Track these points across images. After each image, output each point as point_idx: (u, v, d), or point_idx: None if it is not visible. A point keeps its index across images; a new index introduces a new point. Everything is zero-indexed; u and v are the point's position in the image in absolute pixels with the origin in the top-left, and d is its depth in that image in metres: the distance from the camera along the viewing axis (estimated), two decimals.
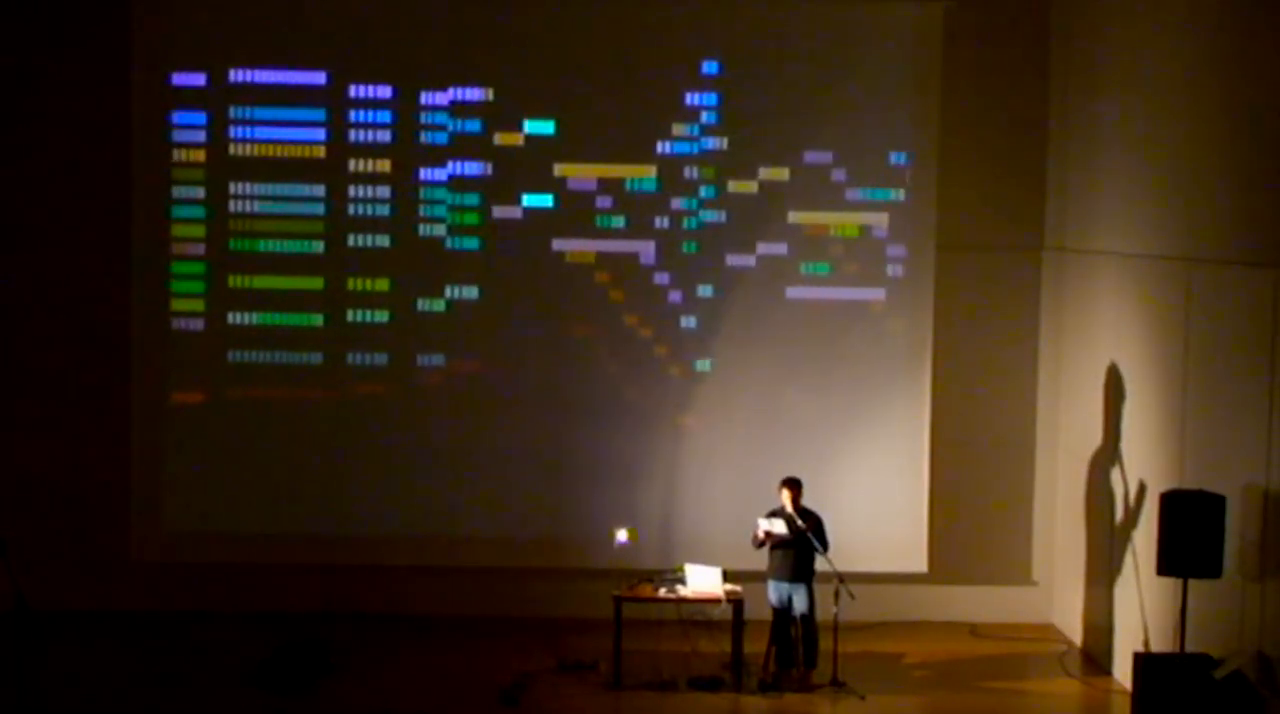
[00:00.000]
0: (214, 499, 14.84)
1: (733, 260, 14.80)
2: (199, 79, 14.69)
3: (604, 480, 14.80)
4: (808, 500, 13.02)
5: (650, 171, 14.76)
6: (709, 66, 14.74)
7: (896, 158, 14.75)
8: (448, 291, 14.84)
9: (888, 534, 14.79)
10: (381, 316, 14.84)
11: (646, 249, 14.81)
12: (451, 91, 14.72)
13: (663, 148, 14.75)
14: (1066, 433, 14.51)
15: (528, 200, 14.75)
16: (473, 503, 14.85)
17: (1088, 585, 13.84)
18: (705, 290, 14.84)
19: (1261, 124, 10.89)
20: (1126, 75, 13.25)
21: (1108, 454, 13.39)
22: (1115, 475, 13.23)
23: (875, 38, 14.71)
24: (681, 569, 13.21)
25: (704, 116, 14.75)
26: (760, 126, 14.70)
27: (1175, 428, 12.14)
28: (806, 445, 14.69)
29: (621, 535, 13.52)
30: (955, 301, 14.83)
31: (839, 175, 14.74)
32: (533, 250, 14.77)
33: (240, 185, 14.75)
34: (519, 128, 14.72)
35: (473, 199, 14.79)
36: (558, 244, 14.79)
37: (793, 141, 14.68)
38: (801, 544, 12.85)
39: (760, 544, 12.95)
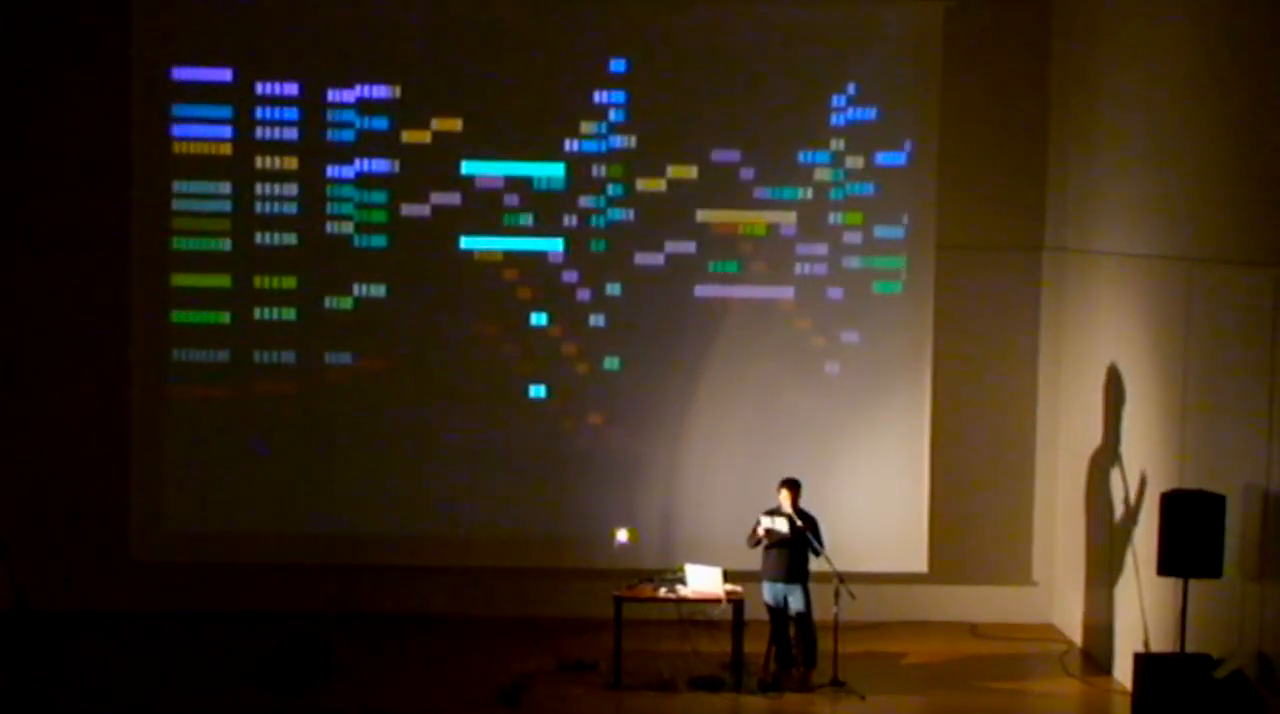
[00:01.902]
0: (214, 499, 14.83)
1: (641, 258, 14.79)
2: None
3: (604, 480, 14.80)
4: (807, 500, 13.03)
5: (558, 169, 14.74)
6: (617, 65, 14.72)
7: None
8: (355, 289, 14.83)
9: (888, 534, 14.79)
10: (289, 314, 14.83)
11: (554, 247, 14.81)
12: (359, 89, 14.70)
13: (571, 146, 14.72)
14: (1066, 433, 14.51)
15: (435, 198, 14.73)
16: (473, 503, 14.83)
17: (1088, 585, 13.84)
18: (614, 288, 14.84)
19: (1261, 124, 10.89)
20: (1126, 75, 13.25)
21: (1108, 454, 13.39)
22: (1115, 475, 13.23)
23: (875, 38, 14.70)
24: (681, 569, 13.21)
25: (612, 114, 14.73)
26: (669, 125, 14.68)
27: (1175, 428, 12.14)
28: (806, 445, 14.69)
29: (621, 535, 13.52)
30: (955, 302, 14.83)
31: (747, 174, 14.73)
32: (440, 248, 14.75)
33: (153, 183, 14.74)
34: (426, 125, 14.71)
35: (380, 197, 14.77)
36: (466, 242, 14.78)
37: (701, 140, 14.67)
38: (797, 545, 12.85)
39: (756, 542, 12.95)
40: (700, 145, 14.70)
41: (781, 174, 14.72)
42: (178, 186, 14.70)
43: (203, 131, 14.70)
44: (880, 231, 14.80)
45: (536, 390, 14.83)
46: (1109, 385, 13.37)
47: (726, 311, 14.79)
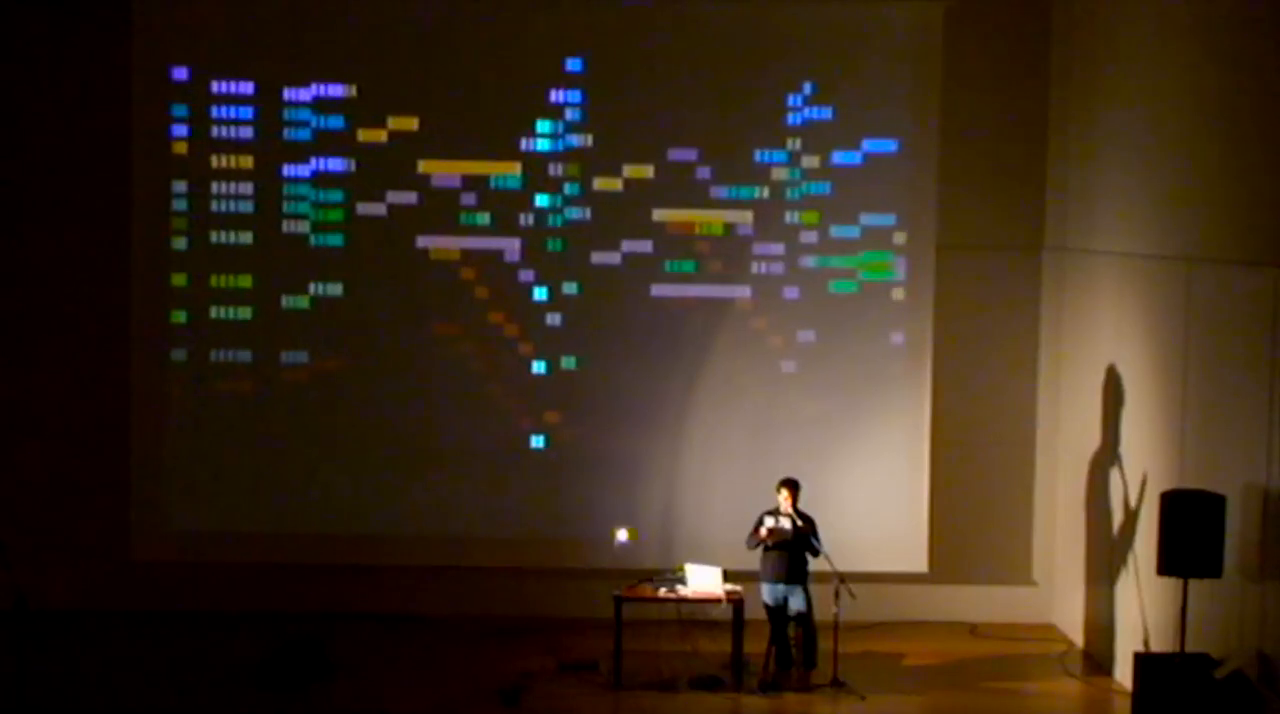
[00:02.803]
0: (214, 499, 14.83)
1: (598, 257, 14.78)
2: None
3: (604, 480, 14.80)
4: (807, 500, 13.03)
5: (514, 168, 14.74)
6: (573, 64, 14.72)
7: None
8: (312, 288, 14.82)
9: (888, 534, 14.79)
10: (244, 313, 14.81)
11: (511, 246, 14.80)
12: (315, 88, 14.70)
13: (527, 145, 14.72)
14: (1066, 433, 14.51)
15: (391, 197, 14.72)
16: (473, 503, 14.84)
17: (1088, 585, 13.84)
18: (570, 288, 14.82)
19: (1261, 124, 10.89)
20: (1126, 75, 13.25)
21: (1108, 454, 13.39)
22: (1115, 475, 13.23)
23: (875, 37, 14.70)
24: (681, 569, 13.21)
25: (568, 113, 14.73)
26: (625, 124, 14.68)
27: (1175, 428, 12.13)
28: (807, 445, 14.69)
29: (622, 535, 13.53)
30: (955, 301, 14.83)
31: (704, 173, 14.73)
32: (397, 247, 14.74)
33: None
34: (383, 124, 14.70)
35: (336, 196, 14.77)
36: (422, 241, 14.77)
37: (658, 139, 14.66)
38: (797, 546, 12.85)
39: (759, 543, 12.95)
40: (657, 144, 14.68)
41: (738, 173, 14.71)
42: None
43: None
44: (837, 231, 14.72)
45: (493, 390, 14.82)
46: (1109, 385, 13.37)
47: (684, 310, 14.77)
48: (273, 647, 13.03)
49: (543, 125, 14.72)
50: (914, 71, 14.71)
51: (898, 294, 14.81)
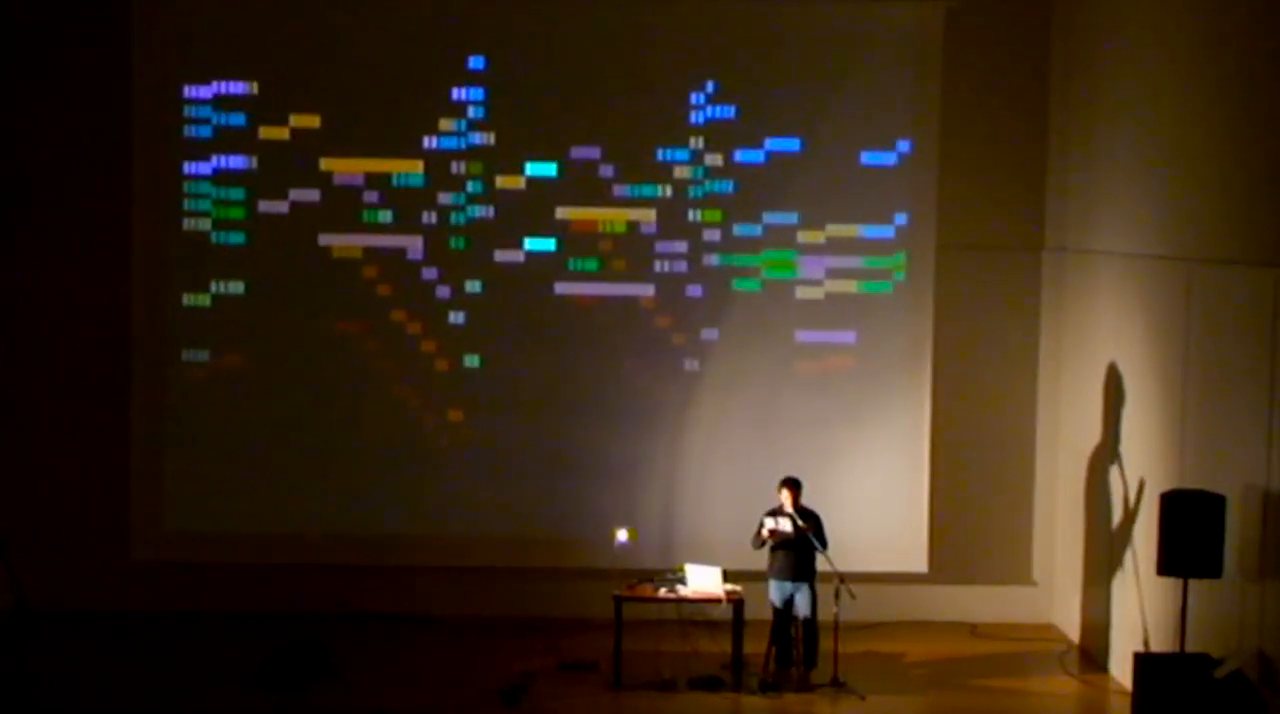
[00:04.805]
0: (214, 499, 14.83)
1: (501, 256, 14.77)
2: None
3: (603, 480, 14.80)
4: (807, 500, 13.03)
5: (417, 166, 14.72)
6: (475, 62, 14.70)
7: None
8: (212, 286, 14.79)
9: (888, 534, 14.79)
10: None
11: (414, 244, 14.79)
12: (215, 85, 14.66)
13: (430, 142, 14.71)
14: (1066, 433, 14.51)
15: (293, 194, 14.69)
16: (474, 503, 14.84)
17: (1087, 585, 13.84)
18: (474, 286, 14.81)
19: (1261, 124, 10.89)
20: (1127, 76, 13.25)
21: (1108, 454, 13.39)
22: (1115, 475, 13.23)
23: (876, 37, 14.70)
24: (681, 569, 13.21)
25: (471, 111, 14.72)
26: (528, 122, 14.68)
27: (1175, 428, 12.13)
28: (806, 445, 14.68)
29: (622, 535, 13.51)
30: (955, 301, 14.83)
31: (607, 171, 14.73)
32: (299, 245, 14.72)
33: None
34: (284, 122, 14.67)
35: (238, 193, 14.75)
36: (324, 239, 14.75)
37: (561, 137, 14.66)
38: (802, 544, 12.86)
39: (762, 543, 12.96)
40: (560, 142, 14.67)
41: (641, 171, 14.71)
42: None
43: None
44: (740, 229, 14.72)
45: (396, 388, 14.81)
46: (1109, 385, 13.37)
47: (587, 308, 14.76)
48: (273, 647, 13.03)
49: (445, 123, 14.68)
50: (915, 72, 14.70)
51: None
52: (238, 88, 14.66)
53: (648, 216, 14.77)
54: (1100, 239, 13.71)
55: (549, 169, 14.68)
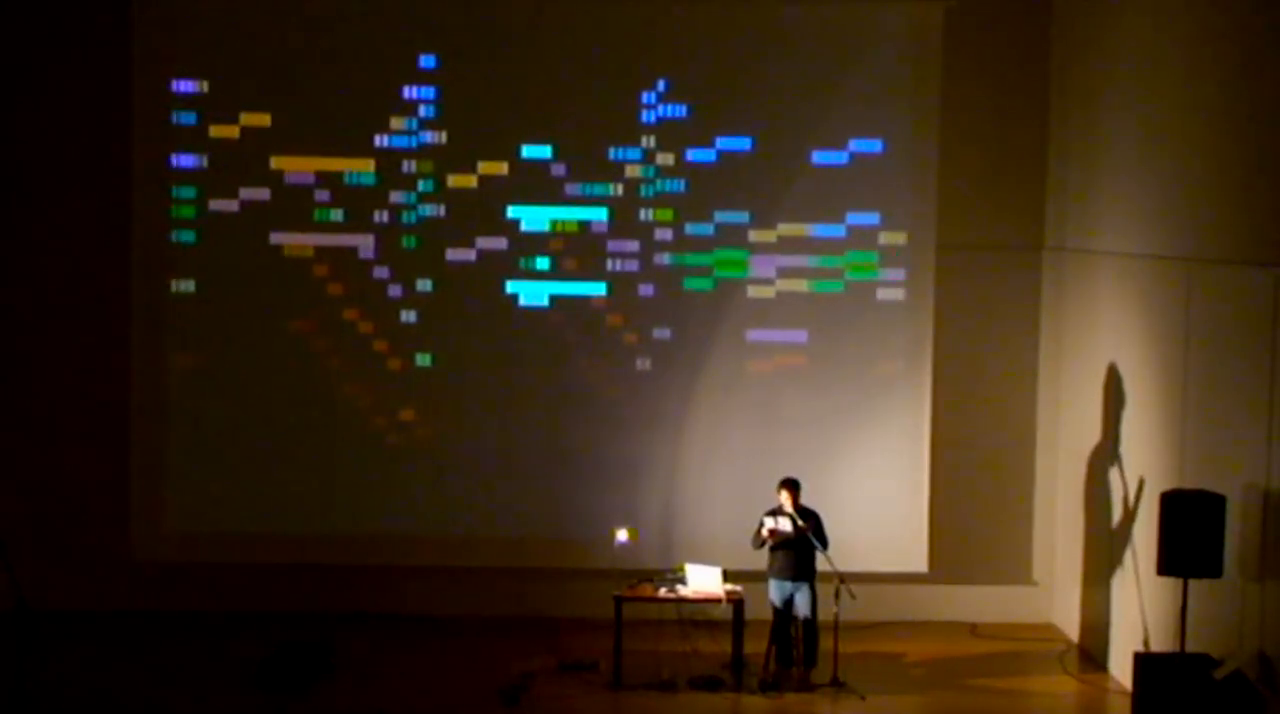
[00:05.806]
0: (214, 499, 14.83)
1: (452, 255, 14.76)
2: None
3: (604, 480, 14.80)
4: (807, 500, 13.03)
5: (368, 165, 14.71)
6: (426, 60, 14.69)
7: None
8: (171, 285, 14.77)
9: (888, 534, 14.79)
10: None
11: (365, 243, 14.77)
12: (169, 84, 14.64)
13: (381, 141, 14.69)
14: (1066, 433, 14.51)
15: (244, 193, 14.67)
16: (474, 503, 14.84)
17: (1087, 585, 13.84)
18: (425, 285, 14.80)
19: (1261, 124, 10.89)
20: (1127, 75, 13.25)
21: (1108, 454, 13.39)
22: (1115, 475, 13.23)
23: (876, 37, 14.70)
24: (681, 569, 13.22)
25: (422, 110, 14.70)
26: (479, 121, 14.67)
27: (1175, 428, 12.14)
28: (807, 445, 14.69)
29: (622, 535, 13.52)
30: (955, 302, 14.83)
31: (559, 170, 14.72)
32: (250, 243, 14.70)
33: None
34: (235, 120, 14.65)
35: (189, 192, 14.73)
36: (275, 237, 14.74)
37: (512, 135, 14.66)
38: (803, 543, 12.87)
39: (762, 543, 12.96)
40: (511, 141, 14.66)
41: (593, 170, 14.70)
42: None
43: None
44: (693, 228, 14.71)
45: (348, 387, 14.81)
46: (1109, 385, 13.37)
47: (538, 308, 14.74)
48: (274, 646, 13.03)
49: (396, 121, 14.67)
50: (913, 71, 14.70)
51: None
52: (188, 86, 14.64)
53: (599, 215, 14.72)
54: (1100, 239, 13.71)
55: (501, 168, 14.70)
